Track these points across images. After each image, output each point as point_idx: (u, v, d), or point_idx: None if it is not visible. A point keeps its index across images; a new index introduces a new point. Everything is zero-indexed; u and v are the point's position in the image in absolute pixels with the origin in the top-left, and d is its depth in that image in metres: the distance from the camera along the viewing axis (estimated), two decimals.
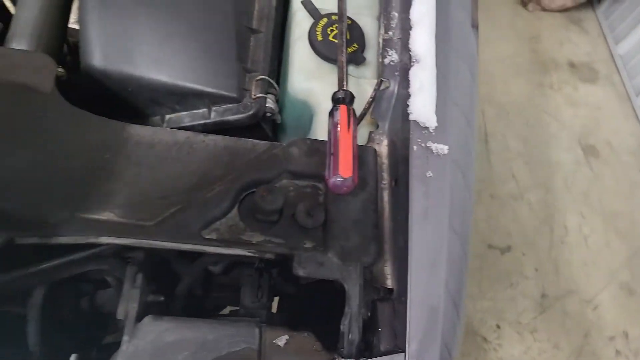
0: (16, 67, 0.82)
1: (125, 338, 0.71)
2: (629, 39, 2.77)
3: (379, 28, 1.06)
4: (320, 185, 0.85)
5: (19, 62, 0.83)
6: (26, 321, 0.79)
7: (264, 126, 0.98)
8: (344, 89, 0.90)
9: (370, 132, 0.95)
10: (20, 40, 0.92)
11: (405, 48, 0.92)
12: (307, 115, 1.02)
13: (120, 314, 0.74)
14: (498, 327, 1.98)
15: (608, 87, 2.75)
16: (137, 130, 0.84)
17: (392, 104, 0.92)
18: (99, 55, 0.89)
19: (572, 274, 2.17)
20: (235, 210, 0.80)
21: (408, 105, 0.85)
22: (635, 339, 2.05)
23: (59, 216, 0.73)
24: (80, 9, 0.94)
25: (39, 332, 0.78)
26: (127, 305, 0.74)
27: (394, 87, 0.93)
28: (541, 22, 2.88)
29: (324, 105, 0.98)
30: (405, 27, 0.94)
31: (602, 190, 2.40)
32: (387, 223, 0.84)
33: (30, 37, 0.91)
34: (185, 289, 0.87)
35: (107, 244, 0.75)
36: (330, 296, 1.01)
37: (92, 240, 0.73)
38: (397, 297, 0.77)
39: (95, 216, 0.75)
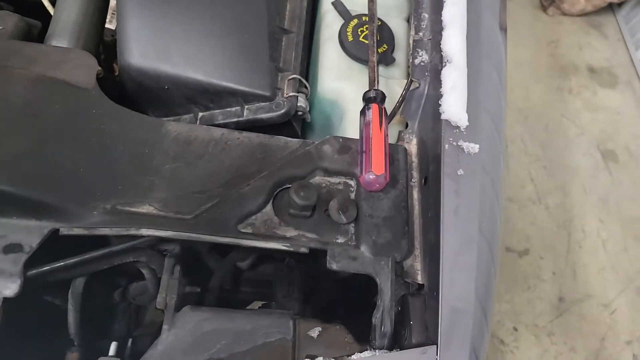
0: (58, 64, 0.86)
1: (165, 327, 0.73)
2: None
3: (409, 29, 1.08)
4: (352, 183, 0.87)
5: (61, 59, 0.86)
6: (67, 310, 0.81)
7: (294, 124, 1.00)
8: (376, 88, 0.92)
9: (400, 131, 0.97)
10: (59, 39, 0.95)
11: (436, 48, 0.93)
12: (336, 114, 1.04)
13: (159, 304, 0.77)
14: (515, 329, 1.97)
15: (627, 92, 2.74)
16: (175, 127, 0.87)
17: (422, 104, 0.94)
18: (137, 53, 0.92)
19: (590, 278, 2.16)
20: (269, 206, 0.82)
21: (440, 105, 0.86)
22: None
23: (101, 208, 0.76)
24: (118, 8, 0.97)
25: (79, 321, 0.80)
26: (167, 296, 0.77)
27: (424, 87, 0.95)
28: (561, 27, 2.88)
29: (354, 104, 1.00)
30: (436, 29, 0.95)
31: (621, 195, 2.39)
32: (417, 220, 0.86)
33: (69, 36, 0.95)
34: (218, 282, 0.89)
35: (147, 236, 0.77)
36: (356, 291, 1.03)
37: (132, 232, 0.76)
38: (429, 292, 0.78)
39: (136, 209, 0.77)
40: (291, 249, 0.79)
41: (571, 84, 2.71)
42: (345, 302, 1.03)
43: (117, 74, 1.02)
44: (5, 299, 0.70)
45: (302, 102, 0.96)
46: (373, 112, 0.87)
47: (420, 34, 1.00)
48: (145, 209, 0.78)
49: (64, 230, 0.74)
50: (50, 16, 1.00)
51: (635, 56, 2.83)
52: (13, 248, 0.71)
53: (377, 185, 0.83)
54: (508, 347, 1.94)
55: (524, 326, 1.99)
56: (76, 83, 0.83)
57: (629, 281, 2.17)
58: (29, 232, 0.73)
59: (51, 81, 0.82)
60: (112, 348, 0.78)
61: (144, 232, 0.76)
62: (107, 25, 1.05)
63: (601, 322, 2.06)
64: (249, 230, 0.80)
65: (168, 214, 0.78)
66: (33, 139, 0.77)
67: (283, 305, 0.84)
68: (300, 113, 0.97)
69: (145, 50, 0.92)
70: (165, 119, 0.90)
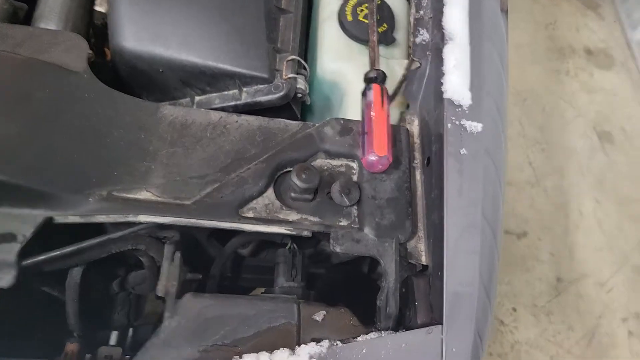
0: (47, 47, 0.83)
1: (166, 314, 0.72)
2: None
3: (409, 8, 1.05)
4: (354, 165, 0.85)
5: (50, 42, 0.83)
6: (64, 301, 0.79)
7: (294, 107, 0.98)
8: (376, 68, 0.90)
9: (401, 112, 0.95)
10: (47, 22, 0.92)
11: (437, 26, 0.91)
12: (336, 95, 1.02)
13: (160, 292, 0.75)
14: (514, 310, 1.98)
15: (623, 73, 2.72)
16: (171, 111, 0.85)
17: (424, 84, 0.92)
18: (130, 36, 0.89)
19: (587, 258, 2.17)
20: (270, 189, 0.81)
21: (442, 84, 0.84)
22: None
23: (97, 195, 0.74)
24: None
25: (77, 311, 0.78)
26: (167, 283, 0.75)
27: (425, 66, 0.93)
28: (558, 8, 2.85)
29: (354, 85, 0.97)
30: (437, 7, 0.93)
31: (617, 175, 2.39)
32: (420, 201, 0.84)
33: (57, 18, 0.91)
34: (219, 269, 0.88)
35: (146, 223, 0.75)
36: (359, 274, 1.02)
37: (130, 218, 0.74)
38: (433, 273, 0.77)
39: (133, 195, 0.76)
40: (294, 233, 0.78)
41: (568, 66, 2.69)
42: (348, 285, 1.02)
43: (108, 58, 0.99)
44: (1, 290, 0.68)
45: (301, 83, 0.94)
46: (374, 92, 0.85)
47: (421, 12, 0.97)
48: (143, 195, 0.76)
49: (59, 218, 0.72)
50: None
51: (631, 37, 2.81)
52: (6, 238, 0.69)
53: (380, 167, 0.81)
54: (507, 327, 1.95)
55: (522, 306, 2.00)
56: (67, 66, 0.81)
57: (624, 260, 2.19)
58: (23, 221, 0.70)
59: (41, 64, 0.79)
60: (113, 337, 0.77)
61: (142, 218, 0.74)
62: (96, 8, 1.01)
63: (597, 301, 2.08)
64: (250, 214, 0.78)
65: (167, 200, 0.76)
66: (24, 125, 0.74)
67: (286, 290, 0.83)
68: (299, 95, 0.95)
69: (139, 33, 0.89)
70: (160, 103, 0.87)
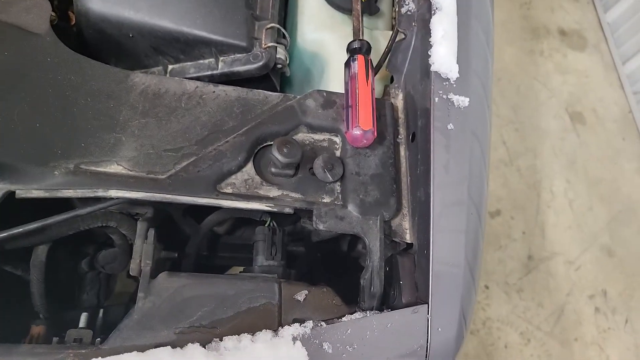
0: (5, 6, 0.75)
1: (140, 295, 0.68)
2: (618, 7, 2.76)
3: None
4: (337, 139, 0.82)
5: (9, 1, 0.76)
6: (29, 281, 0.74)
7: (273, 78, 0.94)
8: (361, 38, 0.86)
9: (386, 86, 0.92)
10: None
11: None
12: (317, 67, 0.98)
13: (133, 271, 0.71)
14: (487, 287, 2.02)
15: (595, 55, 2.76)
16: (143, 79, 0.79)
17: (409, 56, 0.89)
18: None
19: (557, 236, 2.22)
20: (250, 164, 0.77)
21: (429, 56, 0.81)
22: (613, 297, 2.14)
23: (62, 168, 0.68)
24: None
25: (43, 292, 0.74)
26: (141, 262, 0.71)
27: (410, 38, 0.89)
28: None
29: (337, 56, 0.94)
30: None
31: (587, 156, 2.44)
32: (404, 178, 0.82)
33: None
34: (195, 248, 0.84)
35: (117, 198, 0.70)
36: (337, 253, 1.00)
37: (100, 193, 0.69)
38: (418, 251, 0.75)
39: (102, 169, 0.70)
40: (275, 210, 0.75)
41: (543, 46, 2.71)
42: (328, 264, 1.00)
43: (73, 22, 0.92)
44: None
45: (281, 53, 0.90)
46: (359, 64, 0.81)
47: None
48: (113, 168, 0.71)
49: (21, 192, 0.66)
50: None
51: (603, 19, 2.85)
52: None
53: (365, 141, 0.78)
54: (480, 304, 1.99)
55: (495, 284, 2.04)
56: (27, 27, 0.74)
57: (593, 239, 2.25)
58: None
59: None
60: (83, 319, 0.72)
61: (113, 193, 0.69)
62: None
63: (566, 279, 2.14)
64: (228, 190, 0.74)
65: (139, 174, 0.71)
66: None
67: (266, 269, 0.80)
68: (279, 65, 0.91)
69: None
70: (131, 71, 0.81)
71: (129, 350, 0.61)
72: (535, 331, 2.00)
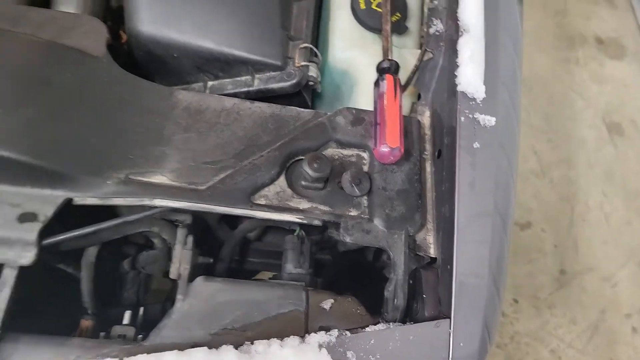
0: (67, 30, 0.83)
1: (179, 297, 0.74)
2: None
3: None
4: (365, 155, 0.86)
5: (70, 25, 0.84)
6: (79, 279, 0.81)
7: (305, 94, 0.99)
8: (390, 58, 0.90)
9: (413, 103, 0.95)
10: (66, 4, 0.92)
11: (452, 17, 0.91)
12: (346, 84, 1.02)
13: (173, 274, 0.77)
14: (515, 301, 2.00)
15: (635, 63, 2.69)
16: (185, 96, 0.85)
17: (437, 75, 0.92)
18: (147, 20, 0.90)
19: (592, 251, 2.17)
20: (282, 177, 0.82)
21: (455, 76, 0.84)
22: None
23: (114, 178, 0.75)
24: None
25: (92, 289, 0.80)
26: (180, 266, 0.77)
27: (438, 57, 0.92)
28: None
29: (366, 74, 0.98)
30: None
31: (625, 168, 2.38)
32: (429, 193, 0.85)
33: (76, 1, 0.92)
34: (229, 253, 0.90)
35: (161, 207, 0.76)
36: (362, 263, 1.04)
37: (146, 202, 0.75)
38: (442, 266, 0.78)
39: (149, 179, 0.77)
40: (305, 222, 0.79)
41: (578, 55, 2.66)
42: (352, 273, 1.03)
43: (124, 40, 0.99)
44: (21, 268, 0.70)
45: (313, 71, 0.94)
46: (388, 83, 0.85)
47: (435, 2, 0.97)
48: (159, 179, 0.77)
49: (78, 199, 0.73)
50: None
51: None
52: (28, 217, 0.71)
53: (392, 158, 0.82)
54: (508, 318, 1.97)
55: (524, 298, 2.01)
56: (86, 50, 0.81)
57: (631, 255, 2.19)
58: (44, 201, 0.72)
59: (61, 48, 0.80)
60: (127, 317, 0.79)
61: (158, 202, 0.75)
62: None
63: (602, 295, 2.08)
64: (262, 201, 0.79)
65: (181, 185, 0.77)
66: (45, 107, 0.75)
67: (294, 277, 0.84)
68: (311, 83, 0.95)
69: (155, 17, 0.90)
70: (174, 87, 0.88)
71: (169, 348, 0.67)
72: (567, 349, 1.96)
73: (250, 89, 0.94)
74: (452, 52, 0.88)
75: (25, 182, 0.72)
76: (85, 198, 0.73)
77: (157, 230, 0.83)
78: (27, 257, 0.70)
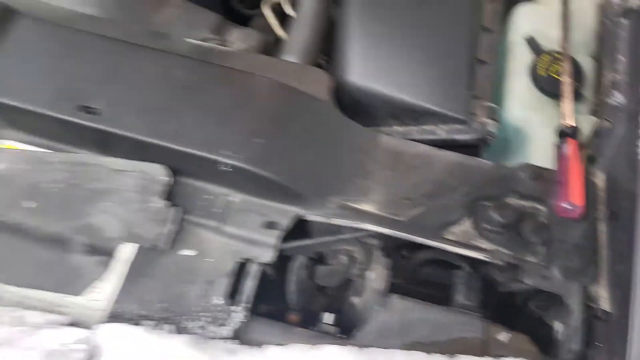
0: (299, 77, 1.03)
1: (376, 307, 0.88)
2: None
3: (599, 67, 1.13)
4: (541, 207, 0.96)
5: (301, 73, 1.05)
6: (287, 281, 0.98)
7: (480, 146, 1.11)
8: (572, 125, 1.00)
9: (587, 165, 1.03)
10: (291, 56, 1.14)
11: (634, 90, 0.99)
12: (517, 140, 1.13)
13: (371, 289, 0.91)
14: None
15: None
16: (386, 139, 1.02)
17: (614, 143, 0.99)
18: (358, 73, 1.08)
19: None
20: (467, 219, 0.94)
21: (637, 147, 0.92)
22: None
23: (334, 201, 0.92)
24: (341, 30, 1.13)
25: (297, 290, 0.97)
26: (379, 282, 0.91)
27: (616, 126, 1.00)
28: None
29: (539, 134, 1.08)
30: (635, 71, 1.00)
31: None
32: (603, 250, 0.92)
33: (302, 54, 1.13)
34: (407, 277, 1.02)
35: (367, 231, 0.92)
36: (512, 305, 1.11)
37: (357, 225, 0.91)
38: (616, 320, 0.85)
39: (360, 206, 0.93)
40: (488, 259, 0.90)
41: None
42: (509, 312, 1.11)
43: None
44: (261, 264, 0.88)
45: (493, 128, 1.07)
46: (571, 147, 0.95)
47: (616, 75, 1.05)
48: (367, 207, 0.93)
49: (309, 216, 0.91)
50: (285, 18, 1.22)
51: None
52: (272, 225, 0.90)
53: (573, 214, 0.91)
54: None
55: None
56: (315, 94, 1.01)
57: None
58: (282, 214, 0.91)
59: (296, 91, 1.00)
60: (330, 318, 0.94)
61: (367, 226, 0.91)
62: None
63: None
64: (450, 237, 0.92)
65: (385, 214, 0.92)
66: (291, 139, 0.95)
67: (468, 309, 0.94)
68: (489, 138, 1.08)
69: (365, 71, 1.08)
70: (375, 129, 1.04)
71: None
72: None
73: (435, 138, 1.08)
74: (632, 123, 0.96)
75: (273, 197, 0.91)
76: (313, 215, 0.91)
77: (354, 250, 0.98)
78: (268, 256, 0.88)
